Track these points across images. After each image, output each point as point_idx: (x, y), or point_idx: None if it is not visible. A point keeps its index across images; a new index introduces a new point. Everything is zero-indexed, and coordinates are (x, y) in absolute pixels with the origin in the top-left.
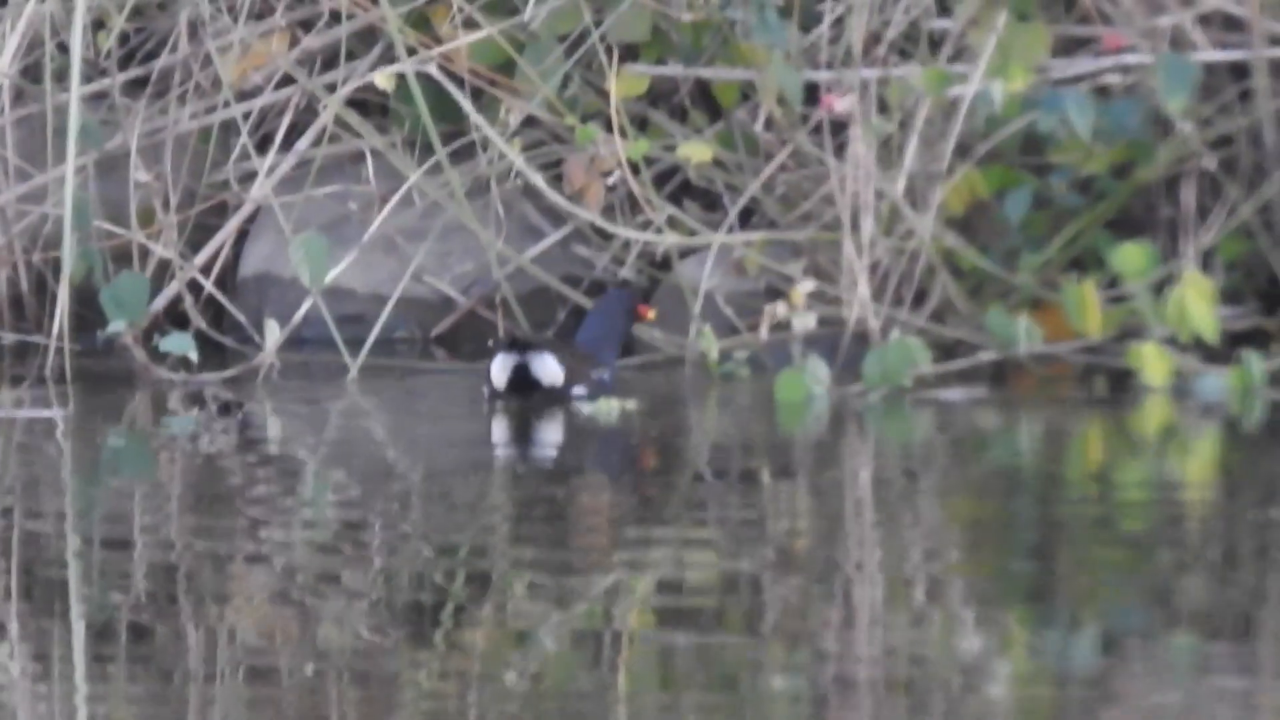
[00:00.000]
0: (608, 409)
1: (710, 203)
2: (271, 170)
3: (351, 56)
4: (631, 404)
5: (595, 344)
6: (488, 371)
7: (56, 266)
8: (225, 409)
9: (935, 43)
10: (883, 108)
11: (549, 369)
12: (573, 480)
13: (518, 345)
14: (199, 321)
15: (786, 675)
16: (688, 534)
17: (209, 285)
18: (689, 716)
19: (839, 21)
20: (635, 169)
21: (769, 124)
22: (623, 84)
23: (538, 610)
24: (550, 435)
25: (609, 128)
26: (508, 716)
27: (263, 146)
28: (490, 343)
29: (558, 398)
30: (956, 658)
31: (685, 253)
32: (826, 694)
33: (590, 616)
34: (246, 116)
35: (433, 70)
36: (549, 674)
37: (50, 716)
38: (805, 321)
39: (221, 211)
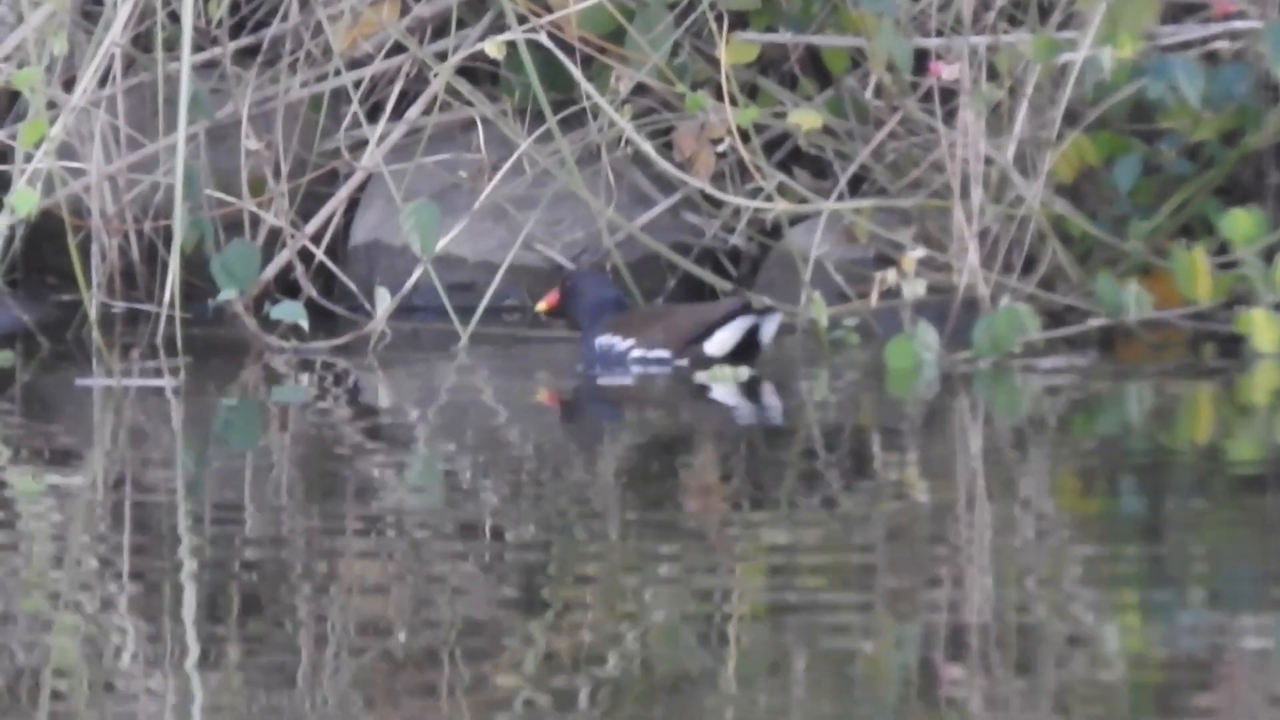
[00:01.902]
0: (726, 375)
1: (820, 170)
2: (382, 138)
3: (462, 25)
4: (745, 371)
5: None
6: (698, 334)
7: (167, 235)
8: (336, 378)
9: (1044, 9)
10: (992, 75)
11: (770, 331)
12: (684, 447)
13: (749, 308)
14: (310, 290)
15: (902, 645)
16: (799, 500)
17: (319, 253)
18: (808, 688)
19: None
20: (745, 136)
21: (879, 91)
22: (733, 51)
23: (652, 579)
24: (662, 401)
25: (719, 95)
26: (626, 687)
27: (373, 115)
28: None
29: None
30: (1078, 629)
31: (795, 220)
32: (943, 663)
33: (703, 585)
34: (357, 85)
35: (543, 38)
36: (662, 646)
37: (165, 684)
38: (915, 288)
39: (332, 180)
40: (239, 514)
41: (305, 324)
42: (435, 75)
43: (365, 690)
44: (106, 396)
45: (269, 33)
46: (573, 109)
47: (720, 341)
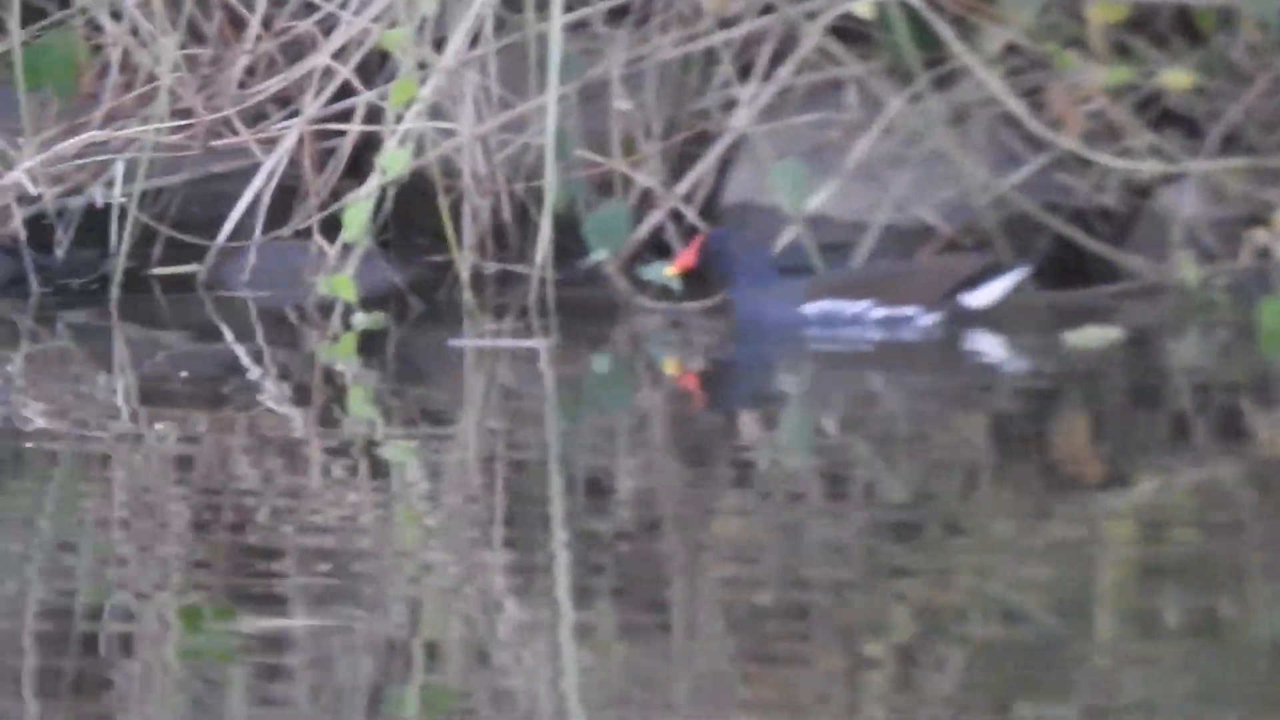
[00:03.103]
0: (1096, 337)
1: (1191, 129)
2: (753, 98)
3: None
4: (1115, 332)
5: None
6: (951, 289)
7: (538, 196)
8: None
9: None
10: None
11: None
12: (1056, 410)
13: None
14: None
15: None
16: (1172, 460)
17: (691, 214)
18: (1185, 651)
19: None
20: (1115, 96)
21: (1250, 49)
22: (1102, 11)
23: (1027, 539)
24: (1034, 364)
25: (1089, 55)
26: (998, 649)
27: (744, 74)
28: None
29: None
30: None
31: (1165, 180)
32: None
33: (1076, 546)
34: (728, 45)
35: None
36: (1036, 608)
37: (536, 646)
38: None
39: (703, 140)
40: (611, 474)
41: (676, 285)
42: (806, 35)
43: (738, 653)
44: (478, 357)
45: None
46: (943, 68)
47: (986, 294)
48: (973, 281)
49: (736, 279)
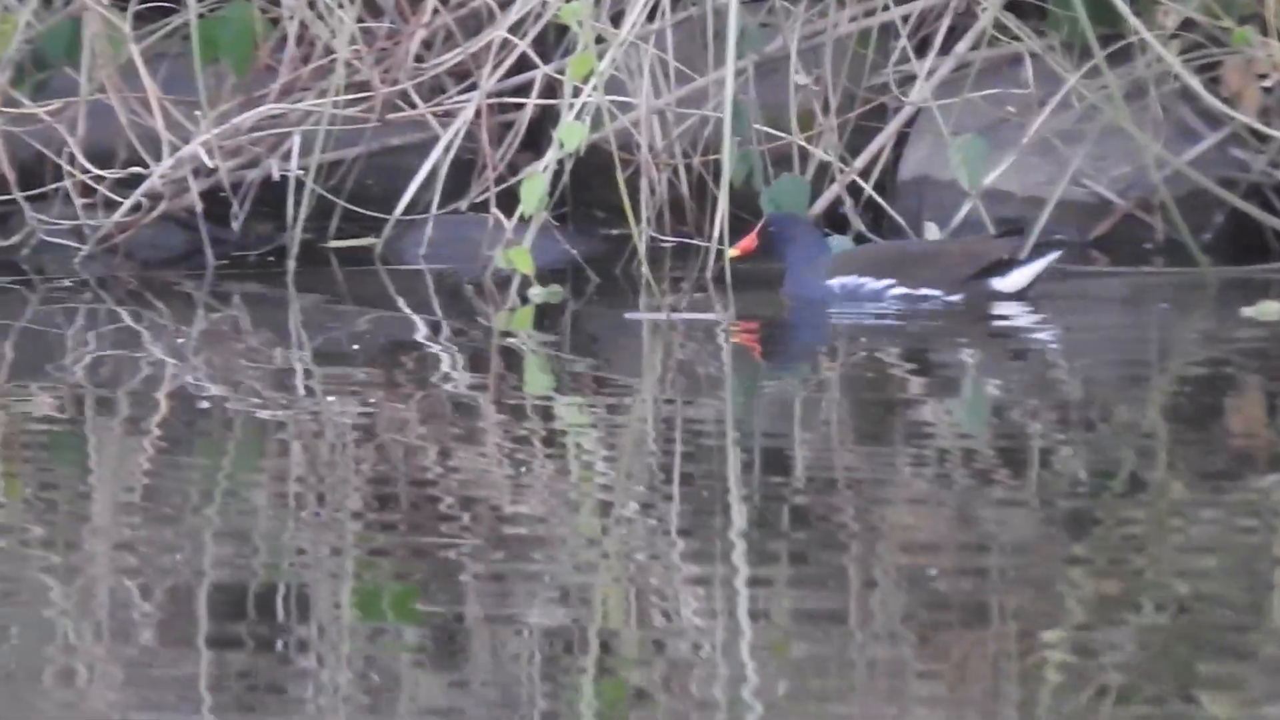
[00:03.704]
0: (1277, 311)
1: None
2: (930, 73)
3: None
4: None
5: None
6: (974, 272)
7: (716, 169)
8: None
9: None
10: None
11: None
12: (1233, 389)
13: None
14: (858, 224)
15: None
16: None
17: (868, 188)
18: None
19: None
20: None
21: None
22: None
23: (1194, 524)
24: (1209, 346)
25: (1265, 30)
26: (1175, 632)
27: (921, 49)
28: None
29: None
30: None
31: None
32: None
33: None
34: (905, 20)
35: None
36: (1216, 590)
37: (710, 608)
38: None
39: (881, 114)
40: (787, 444)
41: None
42: (984, 10)
43: (912, 627)
44: (656, 330)
45: None
46: (1120, 44)
47: (1017, 279)
48: (1003, 267)
49: (789, 258)
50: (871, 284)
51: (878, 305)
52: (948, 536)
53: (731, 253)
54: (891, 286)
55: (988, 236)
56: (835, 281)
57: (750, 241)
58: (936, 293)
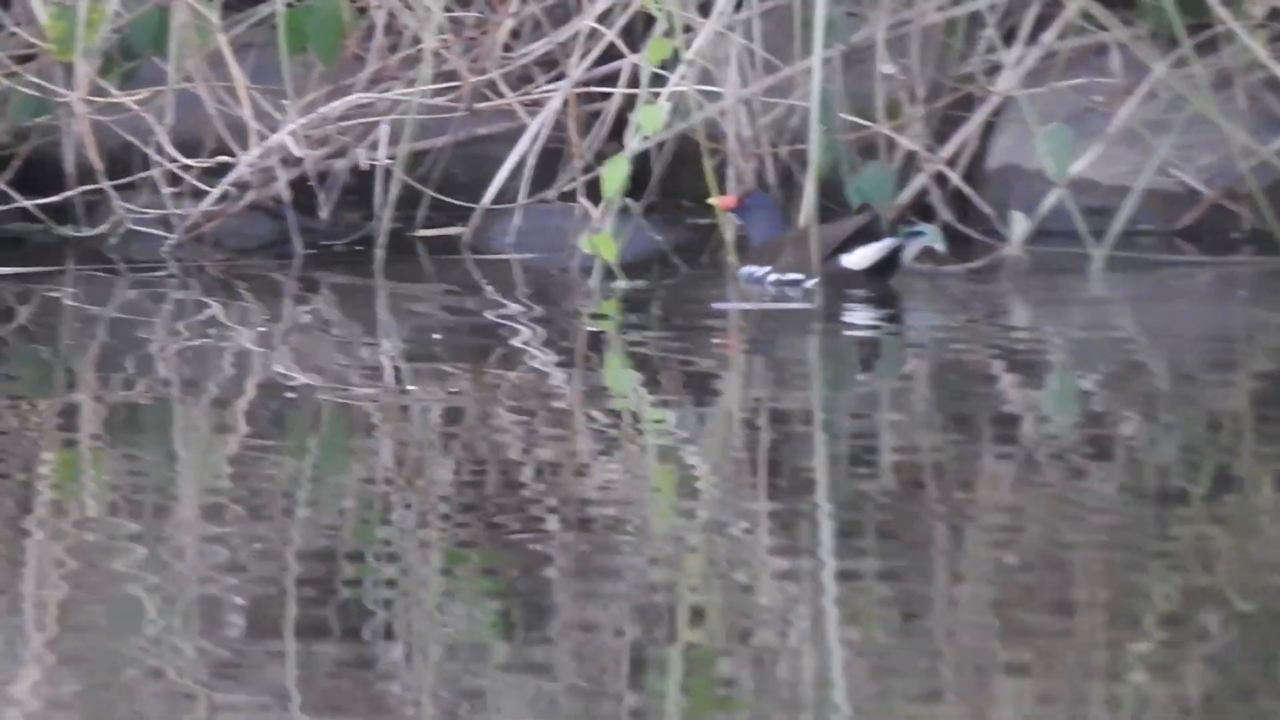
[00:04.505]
0: None
1: None
2: (1017, 63)
3: None
4: None
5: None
6: (827, 254)
7: (803, 159)
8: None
9: None
10: None
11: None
12: None
13: (878, 223)
14: (945, 214)
15: None
16: None
17: (955, 177)
18: None
19: None
20: None
21: None
22: None
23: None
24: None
25: None
26: (1263, 624)
27: (1008, 39)
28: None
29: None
30: None
31: None
32: None
33: None
34: (992, 9)
35: None
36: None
37: (800, 605)
38: None
39: (967, 104)
40: (874, 437)
41: (941, 248)
42: (1070, 0)
43: (997, 622)
44: (744, 319)
45: None
46: (1207, 33)
47: (861, 256)
48: (850, 244)
49: (750, 239)
50: (758, 271)
51: (769, 293)
52: (1036, 526)
53: (715, 201)
54: (769, 273)
55: (846, 218)
56: (744, 269)
57: (730, 201)
58: (799, 276)
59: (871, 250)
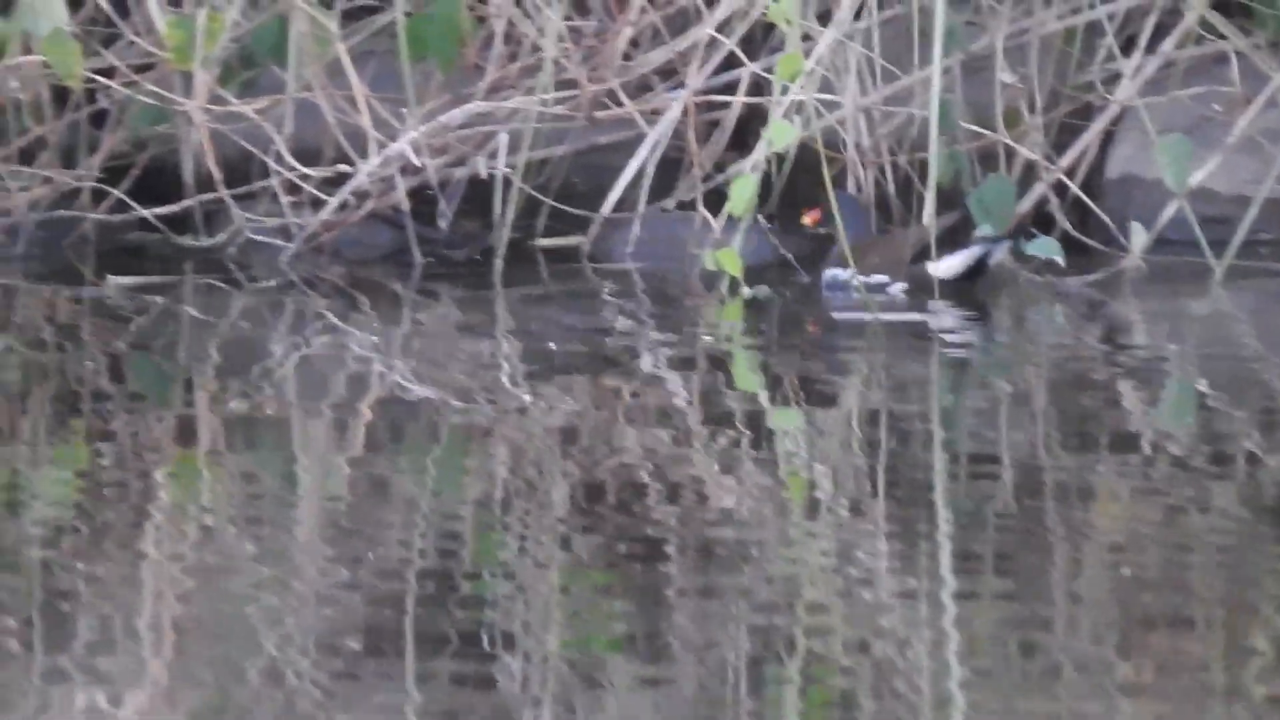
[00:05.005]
0: None
1: None
2: (1136, 72)
3: None
4: None
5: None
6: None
7: (923, 168)
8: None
9: None
10: None
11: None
12: None
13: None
14: (1064, 224)
15: None
16: None
17: (1074, 187)
18: None
19: None
20: None
21: None
22: None
23: None
24: None
25: None
26: None
27: (1127, 48)
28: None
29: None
30: None
31: None
32: None
33: None
34: (1111, 18)
35: None
36: None
37: (916, 618)
38: None
39: (1086, 113)
40: (992, 451)
41: (1060, 258)
42: (1190, 8)
43: (1117, 633)
44: (862, 329)
45: None
46: None
47: (947, 265)
48: (939, 249)
49: (838, 241)
50: (842, 273)
51: (850, 295)
52: (1155, 545)
53: (805, 220)
54: (853, 275)
55: (933, 221)
56: (828, 271)
57: (816, 217)
58: (884, 279)
59: (957, 259)
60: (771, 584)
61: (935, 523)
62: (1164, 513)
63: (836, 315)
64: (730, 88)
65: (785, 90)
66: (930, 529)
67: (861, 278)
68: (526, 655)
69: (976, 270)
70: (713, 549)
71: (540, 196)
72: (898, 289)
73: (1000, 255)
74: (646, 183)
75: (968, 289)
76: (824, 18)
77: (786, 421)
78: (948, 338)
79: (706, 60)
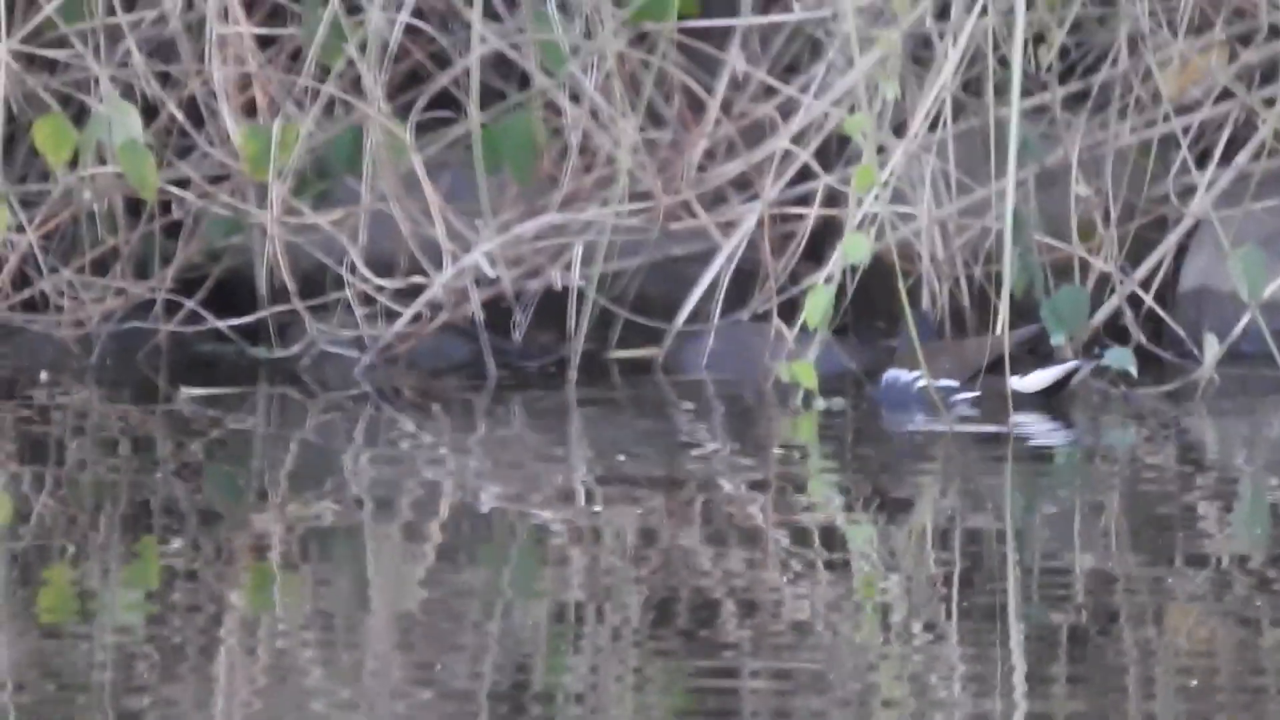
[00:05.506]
0: None
1: None
2: (1211, 184)
3: None
4: None
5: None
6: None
7: (997, 280)
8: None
9: None
10: None
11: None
12: None
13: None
14: (1138, 335)
15: None
16: None
17: (1148, 299)
18: None
19: None
20: None
21: None
22: None
23: None
24: None
25: None
26: None
27: (1202, 160)
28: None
29: None
30: None
31: None
32: None
33: None
34: (1186, 130)
35: None
36: None
37: None
38: None
39: (1161, 225)
40: (1066, 565)
41: (1134, 370)
42: (1263, 121)
43: None
44: (937, 439)
45: (1098, 78)
46: None
47: (1038, 379)
48: (1024, 366)
49: (899, 347)
50: (904, 376)
51: (910, 399)
52: (1228, 664)
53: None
54: (916, 379)
55: (1007, 332)
56: (889, 373)
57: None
58: (953, 383)
59: (1048, 374)
60: (846, 707)
61: (1008, 636)
62: (1237, 629)
63: (911, 429)
64: (805, 199)
65: (860, 202)
66: (1003, 644)
67: (928, 381)
68: None
69: (1061, 385)
70: (789, 672)
71: (615, 308)
72: (966, 397)
73: (1087, 372)
74: (721, 294)
75: (1042, 401)
76: (899, 129)
77: (857, 533)
78: (1025, 451)
79: (781, 172)
